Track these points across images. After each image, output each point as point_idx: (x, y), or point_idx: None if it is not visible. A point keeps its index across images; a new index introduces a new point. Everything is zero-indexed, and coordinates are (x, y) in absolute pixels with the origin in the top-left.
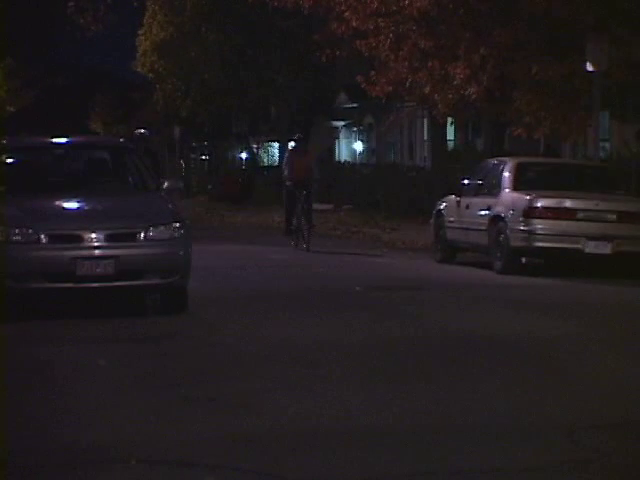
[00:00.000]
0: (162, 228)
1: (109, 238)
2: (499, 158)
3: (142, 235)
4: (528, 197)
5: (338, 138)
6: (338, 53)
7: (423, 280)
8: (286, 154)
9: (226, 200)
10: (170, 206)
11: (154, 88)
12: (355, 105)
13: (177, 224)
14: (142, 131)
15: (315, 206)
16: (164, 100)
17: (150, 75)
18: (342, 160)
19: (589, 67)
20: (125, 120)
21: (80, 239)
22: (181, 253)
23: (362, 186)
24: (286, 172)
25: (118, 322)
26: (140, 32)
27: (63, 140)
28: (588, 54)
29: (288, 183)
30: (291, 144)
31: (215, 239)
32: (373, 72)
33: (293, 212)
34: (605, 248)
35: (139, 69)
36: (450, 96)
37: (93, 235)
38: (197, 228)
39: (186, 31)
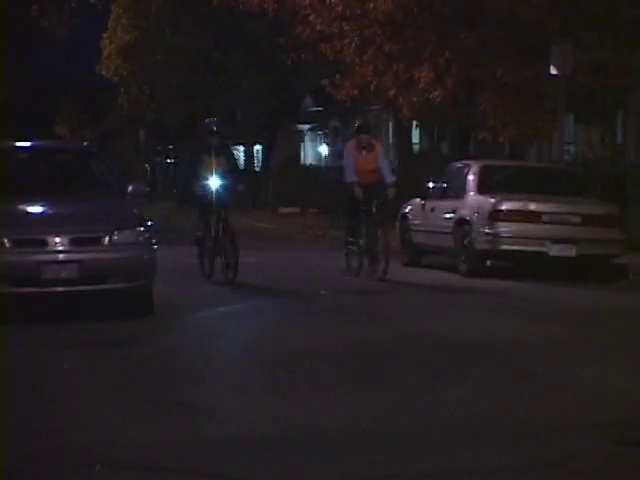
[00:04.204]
0: (127, 232)
1: (73, 242)
2: (464, 161)
3: (106, 239)
4: (493, 200)
5: (304, 141)
6: (303, 57)
7: (389, 283)
8: (345, 150)
9: (192, 204)
10: (135, 210)
11: (119, 92)
12: (321, 108)
13: (142, 228)
14: (213, 119)
15: (280, 210)
16: (129, 104)
17: (115, 78)
18: (308, 163)
19: (553, 71)
20: (91, 124)
21: (44, 243)
22: (146, 257)
23: (328, 189)
24: (347, 174)
25: (83, 326)
26: (105, 35)
27: (27, 144)
28: (553, 58)
29: (355, 191)
30: (349, 142)
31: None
32: (338, 76)
33: (358, 230)
34: (570, 251)
35: (104, 72)
36: (415, 99)
37: (57, 239)
38: (164, 231)
39: (151, 35)
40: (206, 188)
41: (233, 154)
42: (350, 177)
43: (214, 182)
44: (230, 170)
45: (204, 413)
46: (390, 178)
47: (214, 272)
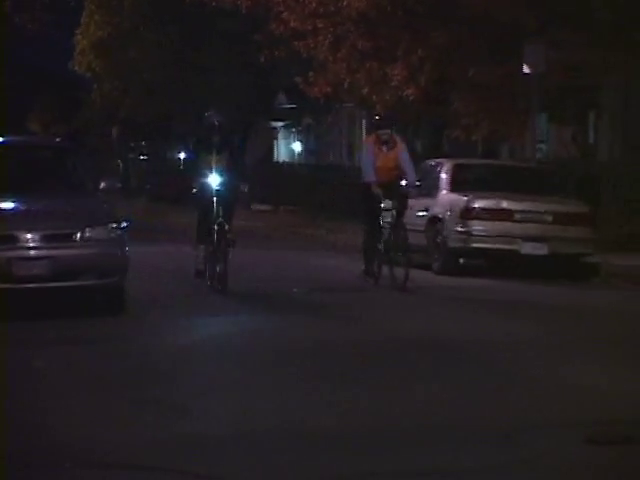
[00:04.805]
0: (99, 229)
1: (45, 239)
2: (437, 159)
3: (78, 236)
4: (465, 198)
5: (277, 139)
6: (277, 54)
7: (357, 282)
8: (364, 145)
9: (165, 201)
10: (107, 206)
11: (92, 88)
12: (294, 106)
13: (114, 224)
14: (214, 113)
15: (253, 207)
16: (102, 100)
17: (88, 74)
18: (280, 160)
19: (526, 70)
20: (64, 120)
21: (16, 240)
22: (118, 254)
23: (302, 187)
24: (366, 172)
25: (55, 323)
26: (77, 31)
27: None
28: (525, 57)
29: (374, 191)
30: (368, 137)
31: (159, 240)
32: (311, 73)
33: (377, 233)
34: (541, 249)
35: (76, 68)
36: (388, 97)
37: (29, 236)
38: (136, 229)
39: (124, 31)
40: (206, 188)
41: (237, 151)
42: (369, 176)
43: (215, 181)
44: (233, 168)
45: (176, 411)
46: (412, 178)
47: (214, 277)
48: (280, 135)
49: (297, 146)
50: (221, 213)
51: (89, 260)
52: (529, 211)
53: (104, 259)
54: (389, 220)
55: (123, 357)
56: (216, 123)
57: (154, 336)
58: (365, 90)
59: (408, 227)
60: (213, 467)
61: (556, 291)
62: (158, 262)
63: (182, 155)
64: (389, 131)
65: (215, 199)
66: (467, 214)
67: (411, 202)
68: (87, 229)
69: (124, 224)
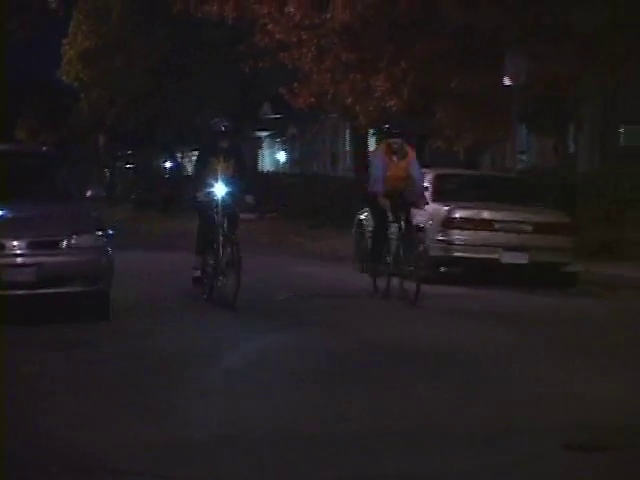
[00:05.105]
0: (85, 236)
1: (31, 246)
2: None
3: (65, 243)
4: (446, 208)
5: (262, 148)
6: (261, 64)
7: (345, 289)
8: (374, 154)
9: (150, 208)
10: (93, 214)
11: (80, 96)
12: (279, 116)
13: (100, 232)
14: (221, 119)
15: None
16: (89, 108)
17: (75, 83)
18: (265, 170)
19: (507, 81)
20: (52, 128)
21: (3, 247)
22: (104, 261)
23: (287, 195)
24: (374, 182)
25: (40, 329)
26: (65, 41)
27: None
28: (506, 69)
29: (381, 202)
30: (378, 146)
31: (144, 246)
32: (296, 84)
33: (384, 246)
34: (521, 258)
35: (64, 78)
36: (371, 108)
37: (15, 243)
38: (122, 236)
39: (111, 41)
40: (210, 196)
41: (244, 159)
42: (376, 187)
43: (220, 191)
44: (239, 177)
45: (162, 416)
46: (421, 188)
47: (213, 294)
48: (265, 145)
49: (282, 156)
50: (227, 224)
51: (75, 267)
52: (509, 221)
53: (90, 266)
54: (398, 231)
55: (107, 362)
56: (223, 129)
57: (138, 341)
58: (349, 101)
59: (390, 236)
60: (190, 470)
61: (535, 299)
62: (143, 268)
63: (168, 164)
64: (400, 140)
65: (221, 209)
66: (448, 224)
67: None
68: (73, 236)
69: (109, 231)
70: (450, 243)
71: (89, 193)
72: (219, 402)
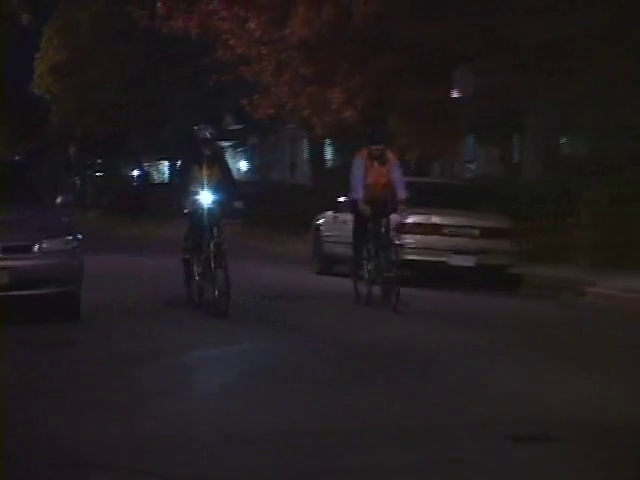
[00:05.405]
0: (56, 240)
1: (5, 250)
2: None
3: (37, 247)
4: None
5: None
6: (224, 78)
7: (302, 290)
8: (355, 160)
9: (118, 214)
10: (64, 219)
11: (51, 108)
12: (240, 126)
13: (70, 236)
14: (205, 126)
15: None
16: (60, 119)
17: (47, 96)
18: None
19: (455, 94)
20: (25, 139)
21: None
22: (74, 264)
23: (249, 203)
24: (354, 189)
25: (12, 330)
26: (37, 56)
27: None
28: (455, 82)
29: (361, 208)
30: (359, 152)
31: (110, 248)
32: (257, 96)
33: (366, 252)
34: (469, 261)
35: (36, 90)
36: (328, 119)
37: None
38: (92, 240)
39: (81, 54)
40: (197, 204)
41: (228, 165)
42: (356, 193)
43: (206, 197)
44: (226, 184)
45: (133, 413)
46: (403, 194)
47: (202, 301)
48: (227, 154)
49: (243, 165)
50: (216, 232)
51: (47, 270)
52: (457, 226)
53: (61, 269)
54: (379, 239)
55: (80, 361)
56: (208, 136)
57: (108, 340)
58: (306, 112)
59: (346, 240)
60: (166, 466)
61: (482, 300)
62: (112, 270)
63: (135, 172)
64: (381, 146)
65: (208, 217)
66: (400, 228)
67: (348, 216)
68: (45, 241)
69: (79, 236)
70: (401, 246)
71: (59, 199)
72: (190, 399)
